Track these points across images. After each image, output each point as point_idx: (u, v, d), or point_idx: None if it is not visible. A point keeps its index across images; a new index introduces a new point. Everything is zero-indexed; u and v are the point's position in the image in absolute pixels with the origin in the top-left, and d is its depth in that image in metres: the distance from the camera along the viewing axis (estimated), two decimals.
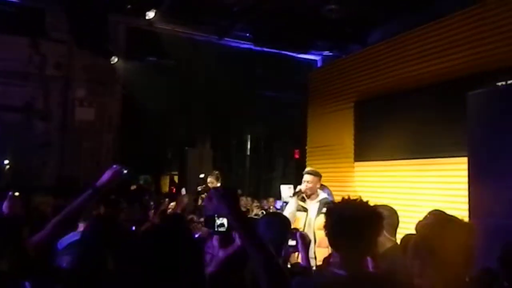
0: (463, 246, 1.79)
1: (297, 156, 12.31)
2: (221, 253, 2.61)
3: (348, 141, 7.47)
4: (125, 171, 2.75)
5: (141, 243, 2.04)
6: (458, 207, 4.09)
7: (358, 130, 7.29)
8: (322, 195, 4.72)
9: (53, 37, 8.10)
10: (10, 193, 4.31)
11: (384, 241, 2.63)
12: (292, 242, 2.86)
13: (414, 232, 1.98)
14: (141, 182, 9.49)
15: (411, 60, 6.35)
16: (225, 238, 2.11)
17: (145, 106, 9.88)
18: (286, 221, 3.01)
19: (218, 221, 1.85)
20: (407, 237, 2.54)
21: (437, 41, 5.89)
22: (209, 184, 7.51)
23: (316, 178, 4.72)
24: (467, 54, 5.49)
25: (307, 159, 8.81)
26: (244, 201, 9.15)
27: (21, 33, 7.86)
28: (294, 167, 12.93)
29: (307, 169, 5.00)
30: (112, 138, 8.95)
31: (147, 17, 7.40)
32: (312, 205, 4.62)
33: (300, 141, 9.98)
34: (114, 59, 8.39)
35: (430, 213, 2.08)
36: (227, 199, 1.68)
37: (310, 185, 4.67)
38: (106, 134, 8.92)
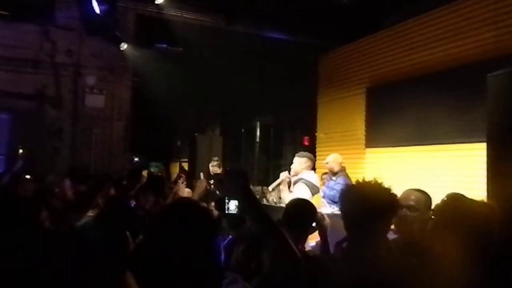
0: (478, 219, 1.80)
1: (306, 143, 12.28)
2: (232, 236, 2.59)
3: (360, 127, 7.43)
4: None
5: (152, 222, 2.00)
6: (474, 193, 4.06)
7: (370, 116, 7.24)
8: (302, 175, 4.73)
9: (63, 24, 8.09)
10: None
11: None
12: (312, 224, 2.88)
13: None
14: (152, 169, 9.54)
15: (425, 44, 6.28)
16: (236, 220, 2.11)
17: (154, 93, 9.89)
18: (310, 205, 3.04)
19: (229, 204, 1.83)
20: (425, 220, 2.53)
21: (454, 24, 5.81)
22: (212, 172, 7.60)
23: (299, 160, 4.82)
24: (484, 37, 5.41)
25: (317, 145, 8.79)
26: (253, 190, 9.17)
27: (31, 21, 7.85)
28: None
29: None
30: (123, 126, 8.97)
31: (156, 2, 7.35)
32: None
33: (310, 128, 9.95)
34: (124, 46, 8.37)
35: (446, 196, 2.08)
36: (238, 180, 1.67)
37: (293, 166, 4.82)
38: (117, 122, 8.93)
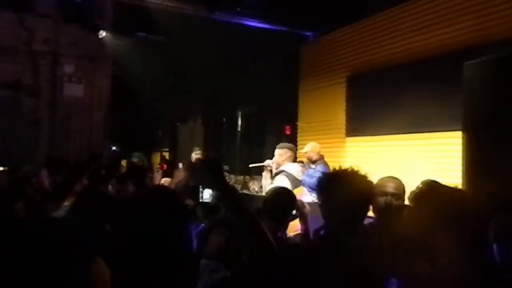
0: (454, 204, 1.83)
1: (288, 132, 12.32)
2: (205, 224, 2.61)
3: (340, 117, 7.48)
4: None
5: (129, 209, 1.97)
6: (451, 182, 4.13)
7: (350, 105, 7.30)
8: (283, 167, 4.76)
9: (40, 12, 7.91)
10: None
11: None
12: (292, 212, 2.90)
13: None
14: (135, 160, 9.46)
15: (406, 33, 6.33)
16: (209, 209, 2.12)
17: (135, 82, 9.76)
18: (290, 194, 3.06)
19: (203, 192, 1.83)
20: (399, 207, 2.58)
21: (434, 12, 5.86)
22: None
23: (279, 151, 4.88)
24: (465, 25, 5.47)
25: (298, 135, 8.83)
26: (234, 180, 9.19)
27: (8, 8, 7.65)
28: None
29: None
30: (102, 115, 8.86)
31: None
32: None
33: (291, 118, 9.98)
34: (102, 33, 8.23)
35: (422, 182, 2.12)
36: (211, 169, 1.67)
37: (274, 158, 4.89)
38: (96, 111, 8.82)
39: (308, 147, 6.33)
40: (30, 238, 1.03)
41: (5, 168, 4.92)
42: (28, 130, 7.97)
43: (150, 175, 7.35)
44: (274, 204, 2.89)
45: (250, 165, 5.80)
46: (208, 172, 1.66)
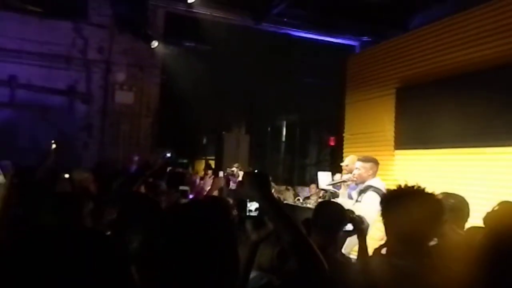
0: None
1: (332, 143, 12.20)
2: (254, 236, 2.59)
3: (389, 129, 7.30)
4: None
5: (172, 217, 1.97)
6: (509, 199, 3.94)
7: (399, 117, 7.11)
8: (370, 182, 4.40)
9: (95, 21, 8.23)
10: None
11: (451, 233, 2.53)
12: (349, 227, 2.80)
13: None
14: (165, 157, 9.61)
15: (458, 45, 6.12)
16: (258, 222, 2.09)
17: (181, 90, 9.96)
18: (339, 207, 2.98)
19: (250, 206, 1.80)
20: (472, 230, 2.44)
21: (489, 24, 5.64)
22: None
23: (367, 165, 4.47)
24: None
25: (344, 146, 8.70)
26: (276, 189, 9.16)
27: (65, 18, 8.01)
28: (328, 154, 12.85)
29: (359, 156, 4.81)
30: (150, 122, 9.07)
31: (188, 1, 7.39)
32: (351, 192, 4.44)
33: (336, 128, 9.86)
34: (154, 44, 8.46)
35: (498, 204, 2.01)
36: (258, 183, 1.64)
37: (359, 171, 4.44)
38: (144, 118, 9.04)
39: (349, 160, 6.14)
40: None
41: (68, 175, 5.09)
42: (79, 135, 8.26)
43: (194, 181, 7.45)
44: (322, 218, 2.80)
45: (328, 184, 5.25)
46: (254, 186, 1.64)
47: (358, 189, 4.45)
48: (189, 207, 1.73)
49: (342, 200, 4.47)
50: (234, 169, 7.76)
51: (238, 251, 1.54)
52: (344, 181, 4.62)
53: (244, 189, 1.68)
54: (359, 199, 4.35)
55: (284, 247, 2.35)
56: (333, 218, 2.82)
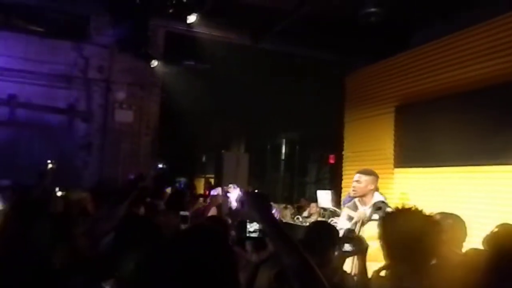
0: None
1: (331, 161, 12.19)
2: (254, 258, 2.56)
3: (389, 147, 7.32)
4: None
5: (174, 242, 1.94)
6: (510, 218, 3.91)
7: (399, 135, 7.13)
8: (377, 198, 4.14)
9: (96, 41, 8.29)
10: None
11: (449, 254, 2.51)
12: (348, 248, 2.76)
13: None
14: (181, 186, 9.61)
15: (457, 63, 6.18)
16: (258, 243, 2.07)
17: (181, 109, 9.99)
18: (331, 228, 2.98)
19: (250, 226, 1.78)
20: (471, 252, 2.42)
21: (488, 42, 5.69)
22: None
23: (368, 178, 4.18)
24: None
25: (343, 164, 8.70)
26: (276, 207, 9.12)
27: (66, 37, 8.08)
28: (328, 172, 12.83)
29: (359, 169, 4.48)
30: (150, 141, 9.06)
31: (188, 21, 7.46)
32: (363, 211, 4.07)
33: (335, 146, 9.87)
34: (154, 63, 8.51)
35: (498, 226, 2.00)
36: (258, 203, 1.62)
37: (359, 185, 4.16)
38: (144, 137, 9.03)
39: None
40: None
41: (63, 193, 5.08)
42: (79, 153, 8.25)
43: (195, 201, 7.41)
44: (313, 239, 2.76)
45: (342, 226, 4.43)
46: (254, 207, 1.62)
47: (369, 206, 4.09)
48: (188, 235, 1.71)
49: (343, 220, 4.31)
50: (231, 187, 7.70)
51: (239, 276, 1.52)
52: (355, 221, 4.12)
53: (244, 210, 1.66)
54: (374, 217, 3.95)
55: (283, 268, 2.34)
56: (324, 238, 2.78)
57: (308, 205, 9.63)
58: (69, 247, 2.22)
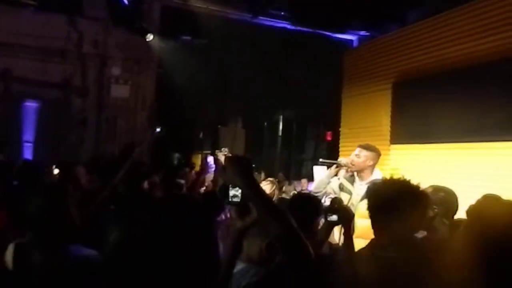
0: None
1: (329, 138, 12.18)
2: (238, 224, 2.56)
3: (385, 123, 7.29)
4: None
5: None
6: (510, 194, 3.89)
7: (396, 112, 7.09)
8: (376, 175, 3.94)
9: (90, 15, 8.17)
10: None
11: (439, 226, 2.52)
12: (333, 218, 2.72)
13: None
14: (175, 162, 9.59)
15: (455, 39, 6.09)
16: (241, 208, 2.07)
17: (178, 85, 9.91)
18: (315, 199, 2.99)
19: (232, 191, 1.75)
20: (456, 221, 2.44)
21: (487, 18, 5.59)
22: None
23: (368, 154, 3.95)
24: None
25: (341, 141, 8.69)
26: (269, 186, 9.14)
27: (59, 11, 7.95)
28: (325, 149, 12.85)
29: (362, 143, 4.22)
30: (146, 116, 9.03)
31: None
32: (359, 188, 3.92)
33: (333, 124, 9.85)
34: (150, 37, 8.40)
35: (482, 196, 2.00)
36: (240, 168, 1.59)
37: (358, 159, 3.93)
38: (140, 112, 9.01)
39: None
40: None
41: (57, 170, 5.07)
42: (75, 130, 8.23)
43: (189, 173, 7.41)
44: (295, 210, 2.75)
45: (321, 160, 4.48)
46: (236, 171, 1.59)
47: (365, 183, 3.87)
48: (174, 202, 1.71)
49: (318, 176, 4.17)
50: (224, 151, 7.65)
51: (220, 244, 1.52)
52: (339, 164, 4.05)
53: (226, 175, 1.62)
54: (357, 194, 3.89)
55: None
56: (308, 209, 2.76)
57: (284, 181, 9.67)
58: (65, 216, 2.21)
